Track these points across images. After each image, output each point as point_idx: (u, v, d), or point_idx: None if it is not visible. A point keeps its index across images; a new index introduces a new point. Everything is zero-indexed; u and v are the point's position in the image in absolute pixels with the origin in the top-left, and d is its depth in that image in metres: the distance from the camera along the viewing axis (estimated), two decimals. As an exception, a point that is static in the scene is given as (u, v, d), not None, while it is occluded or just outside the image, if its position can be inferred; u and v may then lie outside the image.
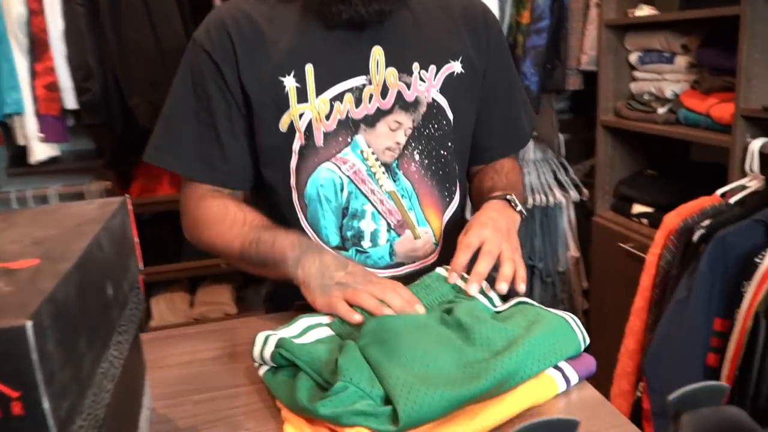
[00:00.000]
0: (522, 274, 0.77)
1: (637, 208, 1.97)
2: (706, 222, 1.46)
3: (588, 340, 0.71)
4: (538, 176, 2.27)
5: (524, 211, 0.89)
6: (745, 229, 1.38)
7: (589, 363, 0.70)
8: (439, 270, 0.80)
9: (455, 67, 0.93)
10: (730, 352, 1.23)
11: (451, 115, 0.94)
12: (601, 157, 2.11)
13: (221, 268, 2.26)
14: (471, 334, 0.67)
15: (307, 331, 0.73)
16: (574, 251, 2.31)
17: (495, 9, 1.96)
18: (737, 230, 1.38)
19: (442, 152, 0.93)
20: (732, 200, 1.52)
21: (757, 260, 1.32)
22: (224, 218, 0.89)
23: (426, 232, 0.94)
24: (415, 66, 0.90)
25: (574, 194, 2.26)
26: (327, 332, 0.73)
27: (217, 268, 2.26)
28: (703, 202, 1.55)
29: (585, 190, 2.29)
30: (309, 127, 0.88)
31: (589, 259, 2.24)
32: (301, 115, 0.87)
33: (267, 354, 0.68)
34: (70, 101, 1.83)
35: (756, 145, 1.50)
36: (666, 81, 1.88)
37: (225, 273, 2.31)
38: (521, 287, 0.76)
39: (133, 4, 1.75)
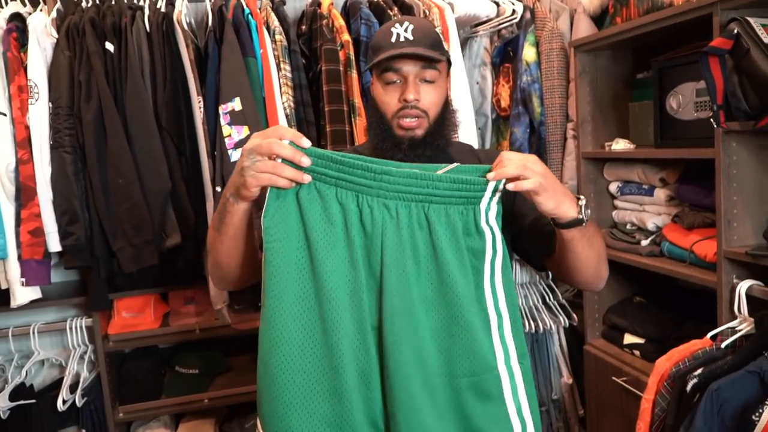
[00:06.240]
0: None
1: (629, 339, 1.93)
2: (699, 371, 1.43)
3: None
4: (526, 300, 2.24)
5: (584, 217, 0.96)
6: (739, 380, 1.35)
7: None
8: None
9: None
10: None
11: None
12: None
13: (203, 403, 2.17)
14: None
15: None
16: (567, 378, 2.24)
17: (474, 139, 2.00)
18: (731, 382, 1.34)
19: None
20: (723, 344, 1.49)
21: (754, 418, 1.27)
22: None
23: None
24: None
25: (563, 319, 2.22)
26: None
27: (199, 403, 2.17)
28: (694, 346, 1.52)
29: (574, 315, 2.24)
30: None
31: (582, 384, 2.17)
32: None
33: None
34: (54, 244, 1.82)
35: (743, 287, 1.49)
36: (647, 213, 1.90)
37: (207, 408, 2.22)
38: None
39: (120, 151, 1.78)
